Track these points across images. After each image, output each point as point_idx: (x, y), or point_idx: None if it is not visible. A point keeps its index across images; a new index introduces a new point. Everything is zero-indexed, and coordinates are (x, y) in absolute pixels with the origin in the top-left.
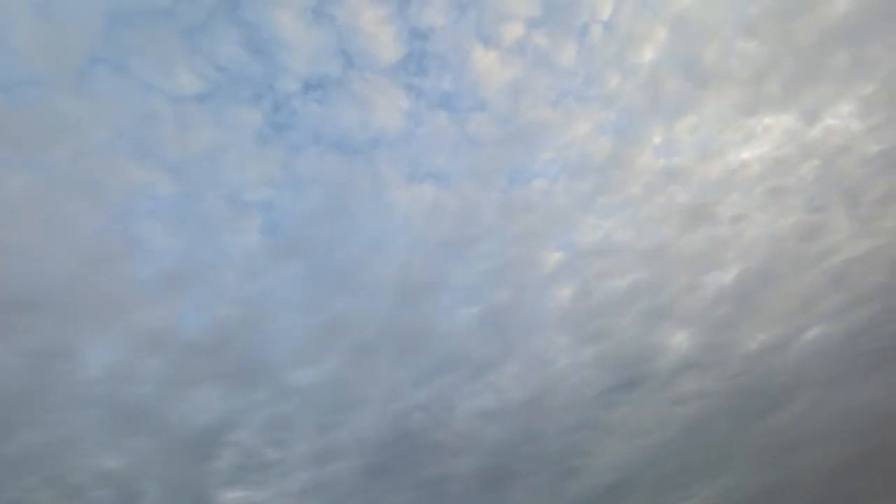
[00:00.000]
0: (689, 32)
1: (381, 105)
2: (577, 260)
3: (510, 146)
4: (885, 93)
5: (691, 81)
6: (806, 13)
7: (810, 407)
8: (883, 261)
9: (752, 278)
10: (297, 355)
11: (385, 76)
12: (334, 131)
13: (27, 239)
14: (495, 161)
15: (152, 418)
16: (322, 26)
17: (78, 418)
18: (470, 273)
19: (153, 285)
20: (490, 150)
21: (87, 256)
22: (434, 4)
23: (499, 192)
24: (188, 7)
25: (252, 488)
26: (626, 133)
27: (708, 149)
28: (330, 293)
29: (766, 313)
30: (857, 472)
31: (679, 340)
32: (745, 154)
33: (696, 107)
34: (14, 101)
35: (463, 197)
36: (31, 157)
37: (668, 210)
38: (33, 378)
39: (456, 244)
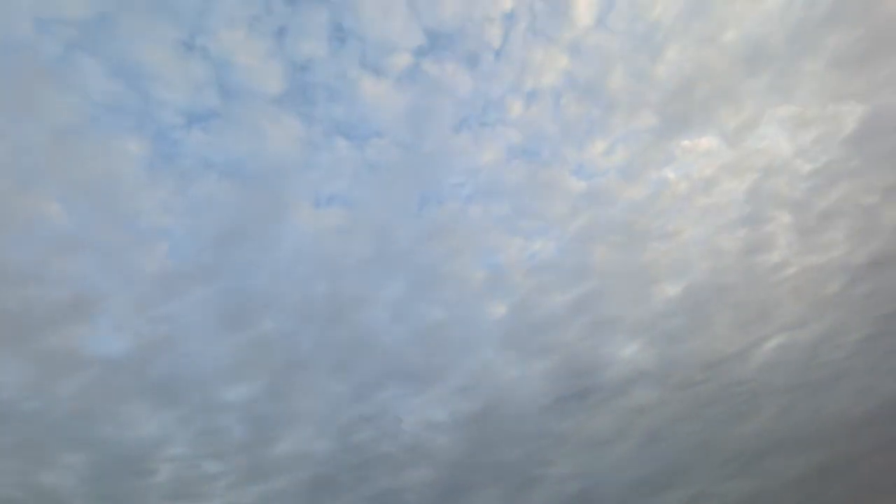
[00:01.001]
0: (591, 58)
1: (273, 134)
2: (507, 278)
3: (417, 170)
4: (808, 114)
5: (599, 106)
6: (717, 39)
7: (774, 416)
8: (834, 272)
9: (702, 291)
10: (225, 372)
11: (273, 106)
12: (226, 159)
13: None
14: (403, 185)
15: (81, 435)
16: (196, 59)
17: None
18: (398, 290)
19: (62, 308)
20: (395, 174)
21: None
22: (312, 36)
23: (411, 214)
24: (49, 40)
25: (198, 501)
26: (538, 157)
27: (629, 171)
28: (250, 313)
29: (722, 324)
30: (823, 480)
31: (632, 352)
32: (670, 174)
33: (607, 130)
34: None
35: (374, 219)
36: None
37: (597, 229)
38: None
39: (378, 262)
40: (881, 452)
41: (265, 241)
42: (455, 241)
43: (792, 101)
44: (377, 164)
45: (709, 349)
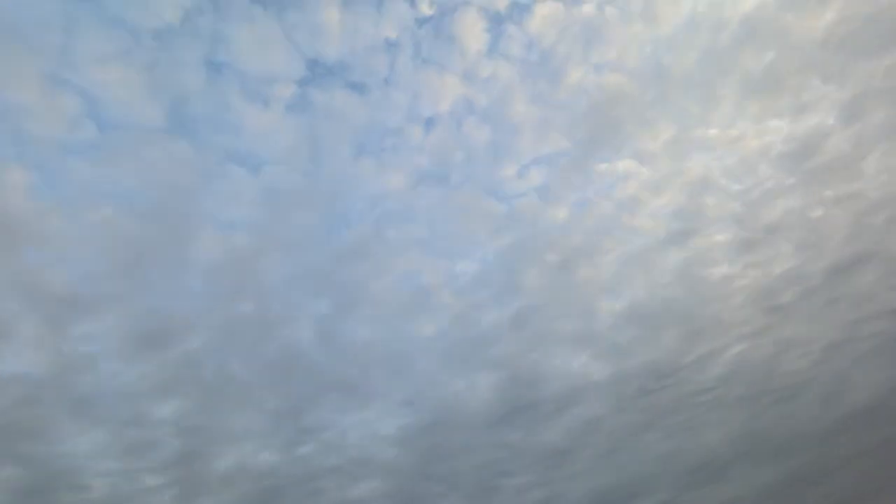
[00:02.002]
0: (488, 84)
1: (162, 163)
2: (435, 297)
3: (319, 195)
4: (729, 135)
5: (503, 131)
6: (621, 64)
7: (741, 424)
8: (789, 282)
9: (647, 305)
10: (154, 389)
11: (157, 136)
12: (114, 190)
13: None
14: (306, 209)
15: (9, 451)
16: (67, 93)
17: None
18: (322, 309)
19: None
20: (296, 199)
21: None
22: (187, 69)
23: (321, 237)
24: None
25: None
26: (447, 181)
27: (548, 192)
28: (172, 332)
29: (672, 335)
30: (793, 489)
31: (580, 363)
32: (591, 195)
33: (516, 154)
34: None
35: (283, 241)
36: None
37: (523, 249)
38: None
39: (299, 282)
40: (851, 461)
41: (173, 264)
42: (372, 262)
43: (711, 124)
44: (276, 190)
45: (662, 360)
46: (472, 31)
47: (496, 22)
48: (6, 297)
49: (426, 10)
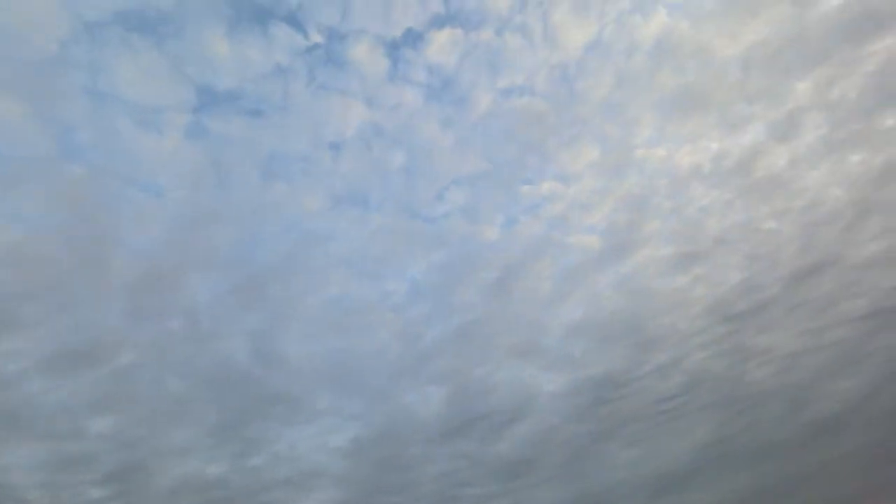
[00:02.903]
0: (392, 109)
1: (60, 190)
2: (368, 313)
3: (231, 219)
4: (655, 155)
5: (415, 154)
6: (528, 88)
7: (710, 432)
8: (746, 292)
9: (597, 317)
10: (88, 405)
11: (49, 163)
12: (18, 215)
13: None
14: (219, 233)
15: None
16: None
17: None
18: (254, 325)
19: None
20: (206, 223)
21: None
22: (70, 97)
23: (243, 259)
24: None
25: None
26: (365, 203)
27: (474, 213)
28: (102, 349)
29: (627, 345)
30: (756, 499)
31: (531, 374)
32: (518, 214)
33: (432, 176)
34: None
35: (201, 263)
36: None
37: (455, 267)
38: None
39: (229, 300)
40: (820, 470)
41: (92, 285)
42: (300, 280)
43: (636, 144)
44: (184, 214)
45: (618, 370)
46: (370, 57)
47: (393, 48)
48: None
49: (316, 37)
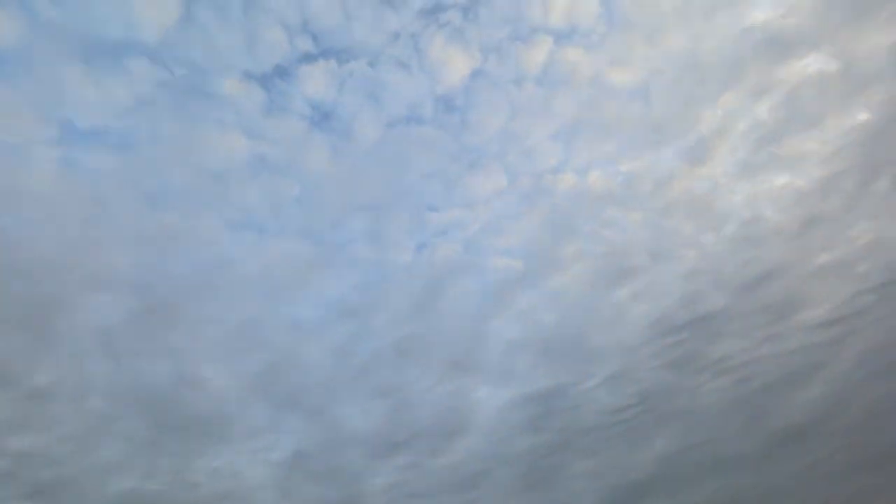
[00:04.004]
0: (277, 140)
1: None
2: (297, 330)
3: (129, 243)
4: (565, 181)
5: (307, 184)
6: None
7: (668, 444)
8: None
9: (537, 332)
10: (5, 424)
11: None
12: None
13: None
14: (121, 254)
15: None
16: None
17: None
18: (175, 341)
19: None
20: (107, 245)
21: None
22: None
23: (151, 280)
24: None
25: None
26: (265, 230)
27: (379, 239)
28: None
29: (575, 356)
30: None
31: (476, 387)
32: (429, 238)
33: (328, 205)
34: None
35: (104, 282)
36: None
37: (379, 287)
38: None
39: (143, 316)
40: (782, 483)
41: None
42: (215, 303)
43: (544, 169)
44: (67, 241)
45: (564, 382)
46: (243, 90)
47: (266, 81)
48: None
49: (179, 71)
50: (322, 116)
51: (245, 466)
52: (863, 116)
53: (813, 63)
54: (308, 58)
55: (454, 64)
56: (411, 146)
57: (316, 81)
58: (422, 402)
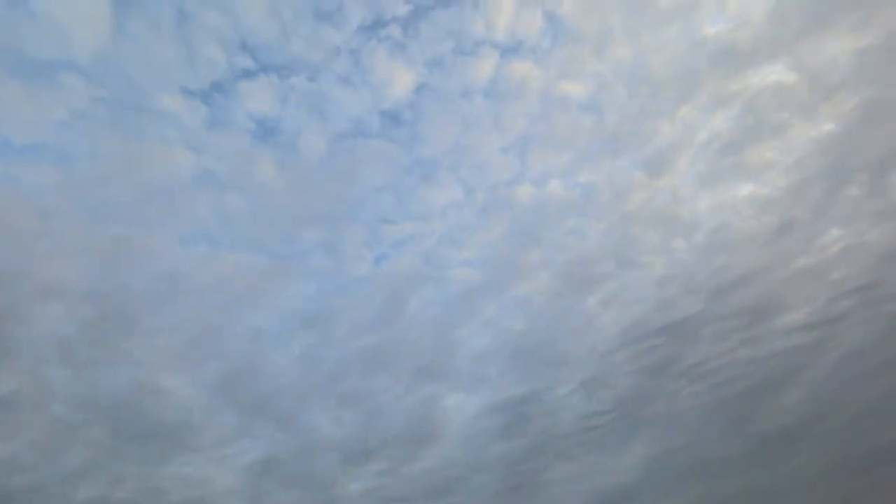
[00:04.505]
0: (222, 154)
1: None
2: (259, 339)
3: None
4: (521, 192)
5: (256, 198)
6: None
7: (641, 451)
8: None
9: (508, 339)
10: None
11: None
12: None
13: None
14: (77, 266)
15: None
16: None
17: None
18: (136, 349)
19: None
20: (51, 261)
21: None
22: None
23: (103, 291)
24: None
25: None
26: (217, 243)
27: (335, 251)
28: None
29: (546, 365)
30: None
31: (447, 394)
32: (387, 251)
33: (279, 218)
34: None
35: (66, 292)
36: None
37: (330, 295)
38: None
39: (96, 325)
40: (765, 489)
41: None
42: (172, 312)
43: (498, 182)
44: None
45: (538, 388)
46: (183, 106)
47: (207, 97)
48: None
49: (115, 86)
50: (266, 131)
51: (214, 473)
52: (827, 126)
53: (770, 74)
54: (247, 73)
55: (398, 78)
56: (360, 159)
57: (257, 96)
58: (393, 409)
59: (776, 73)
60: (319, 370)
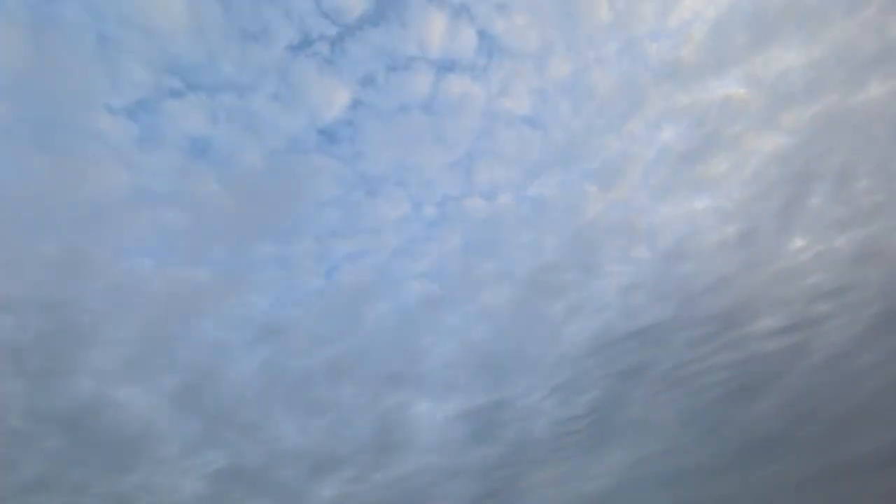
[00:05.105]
0: (155, 171)
1: None
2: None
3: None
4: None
5: (192, 213)
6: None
7: (618, 458)
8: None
9: (478, 346)
10: None
11: None
12: None
13: None
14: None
15: None
16: None
17: None
18: (94, 360)
19: None
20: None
21: None
22: None
23: (50, 310)
24: None
25: None
26: (160, 258)
27: (290, 265)
28: None
29: (516, 372)
30: None
31: (417, 401)
32: (340, 262)
33: (226, 233)
34: None
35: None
36: None
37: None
38: None
39: (57, 335)
40: (746, 492)
41: None
42: (129, 322)
43: (439, 199)
44: None
45: (510, 395)
46: (111, 124)
47: (131, 115)
48: None
49: (37, 106)
50: (200, 148)
51: (180, 481)
52: (784, 137)
53: (719, 88)
54: (175, 93)
55: (331, 95)
56: (300, 175)
57: (187, 115)
58: (361, 417)
59: (725, 88)
60: (284, 380)
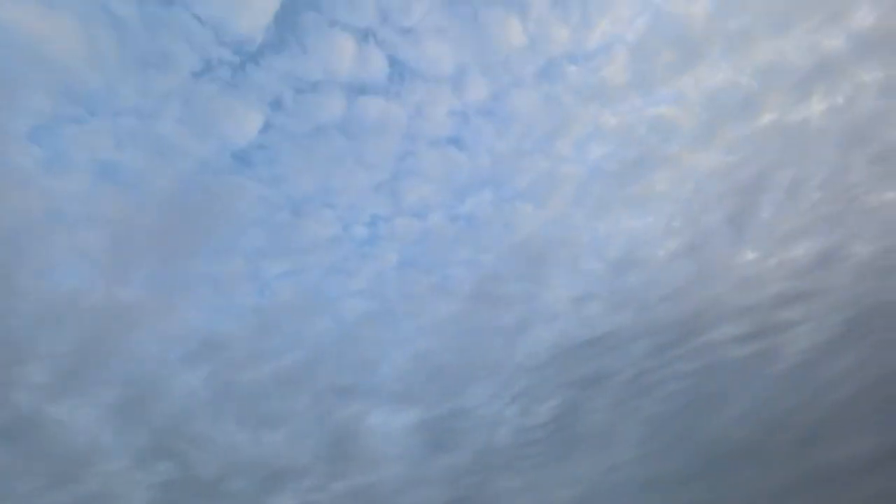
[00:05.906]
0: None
1: None
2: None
3: None
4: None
5: (110, 236)
6: None
7: (580, 469)
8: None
9: (426, 356)
10: None
11: None
12: None
13: None
14: None
15: None
16: None
17: None
18: (38, 375)
19: None
20: None
21: None
22: None
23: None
24: None
25: None
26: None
27: (223, 288)
28: None
29: (472, 380)
30: None
31: (373, 411)
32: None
33: (147, 256)
34: None
35: None
36: None
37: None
38: None
39: (12, 346)
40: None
41: None
42: (68, 337)
43: (366, 219)
44: None
45: (470, 405)
46: (17, 148)
47: (33, 140)
48: None
49: None
50: (109, 171)
51: (129, 492)
52: (721, 155)
53: (647, 107)
54: (76, 119)
55: (240, 119)
56: (218, 196)
57: (90, 140)
58: (316, 428)
59: (654, 107)
60: (233, 392)
